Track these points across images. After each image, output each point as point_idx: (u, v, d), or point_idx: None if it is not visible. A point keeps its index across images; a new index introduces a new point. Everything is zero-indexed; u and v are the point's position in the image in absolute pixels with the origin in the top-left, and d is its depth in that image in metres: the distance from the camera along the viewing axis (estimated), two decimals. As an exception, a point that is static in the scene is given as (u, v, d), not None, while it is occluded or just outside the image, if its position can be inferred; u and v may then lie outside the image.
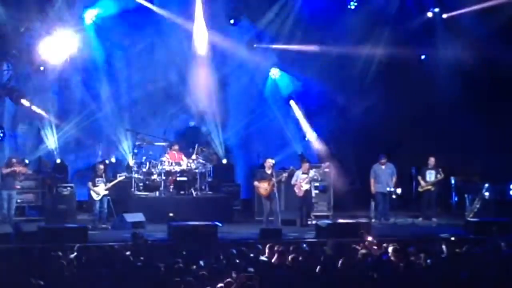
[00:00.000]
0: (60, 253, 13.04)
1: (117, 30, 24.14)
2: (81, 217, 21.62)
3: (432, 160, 21.99)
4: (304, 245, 14.79)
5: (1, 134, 22.45)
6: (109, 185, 20.62)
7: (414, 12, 24.49)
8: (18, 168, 20.68)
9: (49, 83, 23.85)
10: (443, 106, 23.92)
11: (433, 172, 21.97)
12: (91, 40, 23.73)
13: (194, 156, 22.59)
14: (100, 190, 20.53)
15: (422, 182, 21.95)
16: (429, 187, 21.92)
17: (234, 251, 13.32)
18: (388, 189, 21.47)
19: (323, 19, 24.56)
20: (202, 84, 24.67)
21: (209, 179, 23.08)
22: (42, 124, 23.74)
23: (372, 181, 21.84)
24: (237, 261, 12.47)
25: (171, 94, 25.18)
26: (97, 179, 20.64)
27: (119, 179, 21.13)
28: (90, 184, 20.69)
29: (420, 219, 21.81)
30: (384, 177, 21.70)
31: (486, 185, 21.60)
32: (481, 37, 22.96)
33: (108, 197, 20.71)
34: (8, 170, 20.51)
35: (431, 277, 11.38)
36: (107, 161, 22.92)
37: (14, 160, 20.76)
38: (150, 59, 24.83)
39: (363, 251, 13.21)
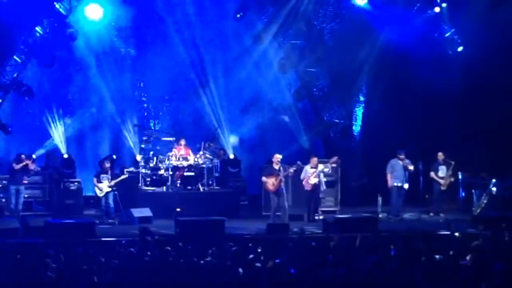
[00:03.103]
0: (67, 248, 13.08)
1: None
2: (88, 212, 21.69)
3: (440, 155, 21.88)
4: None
5: (10, 129, 22.52)
6: (113, 182, 20.61)
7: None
8: (28, 162, 20.69)
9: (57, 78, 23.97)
10: (450, 101, 23.87)
11: (444, 166, 21.86)
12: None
13: (201, 152, 22.67)
14: (103, 186, 20.52)
15: (441, 181, 21.73)
16: (450, 179, 21.76)
17: (241, 246, 13.34)
18: (395, 184, 21.38)
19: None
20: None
21: (216, 174, 23.11)
22: (50, 119, 23.78)
23: (388, 175, 21.54)
24: (244, 256, 12.48)
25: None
26: (102, 175, 20.65)
27: (122, 177, 21.10)
28: (95, 180, 20.72)
29: (431, 214, 21.68)
30: (401, 172, 21.53)
31: (494, 180, 21.56)
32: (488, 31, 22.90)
33: (115, 192, 20.73)
34: (20, 165, 20.53)
35: (439, 272, 11.37)
36: (114, 156, 22.92)
37: (23, 156, 20.76)
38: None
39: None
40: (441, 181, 21.85)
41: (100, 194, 20.55)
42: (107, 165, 20.88)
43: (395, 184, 21.42)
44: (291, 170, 20.47)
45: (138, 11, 24.13)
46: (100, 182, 20.56)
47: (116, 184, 20.67)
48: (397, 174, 21.46)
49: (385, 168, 21.54)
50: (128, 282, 10.94)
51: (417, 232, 17.01)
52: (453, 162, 21.79)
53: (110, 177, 20.62)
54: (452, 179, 21.92)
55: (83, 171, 23.78)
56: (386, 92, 24.18)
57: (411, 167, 21.39)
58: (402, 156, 21.43)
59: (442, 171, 21.90)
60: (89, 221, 18.66)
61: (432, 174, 21.91)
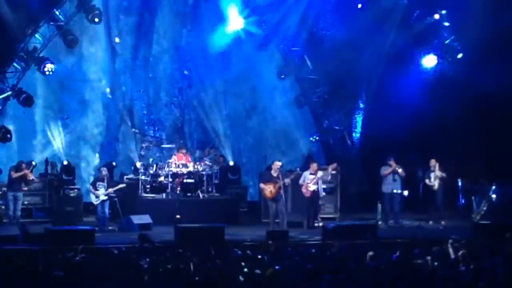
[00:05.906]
0: (66, 255, 13.05)
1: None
2: (88, 219, 21.66)
3: (433, 161, 21.71)
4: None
5: (9, 136, 22.51)
6: (110, 190, 20.55)
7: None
8: (27, 172, 20.66)
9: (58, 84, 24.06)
10: (449, 107, 23.86)
11: (436, 173, 21.75)
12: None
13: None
14: (100, 194, 20.45)
15: (431, 183, 21.68)
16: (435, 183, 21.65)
17: (240, 253, 13.32)
18: (394, 191, 21.34)
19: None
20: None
21: (216, 181, 23.10)
22: (50, 126, 23.79)
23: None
24: (243, 263, 12.46)
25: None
26: (98, 183, 20.59)
27: (120, 186, 21.05)
28: (91, 187, 20.66)
29: (431, 222, 21.59)
30: (391, 179, 21.49)
31: (493, 187, 21.54)
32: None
33: (115, 199, 20.72)
34: (17, 175, 20.53)
35: (437, 280, 11.35)
36: (114, 163, 22.91)
37: (24, 164, 20.76)
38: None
39: (371, 253, 13.17)
40: (431, 184, 21.56)
41: (95, 201, 20.49)
42: (104, 172, 20.83)
43: (386, 191, 21.40)
44: (288, 180, 20.33)
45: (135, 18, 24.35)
46: (97, 190, 20.50)
47: (114, 192, 20.63)
48: (387, 181, 21.44)
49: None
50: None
51: (416, 239, 16.97)
52: (444, 174, 21.61)
53: (106, 185, 20.55)
54: (436, 186, 21.46)
55: (83, 178, 23.82)
56: (385, 99, 24.17)
57: (398, 170, 21.30)
58: (391, 162, 21.40)
59: (434, 178, 21.66)
60: (88, 228, 18.64)
61: (427, 181, 21.76)
